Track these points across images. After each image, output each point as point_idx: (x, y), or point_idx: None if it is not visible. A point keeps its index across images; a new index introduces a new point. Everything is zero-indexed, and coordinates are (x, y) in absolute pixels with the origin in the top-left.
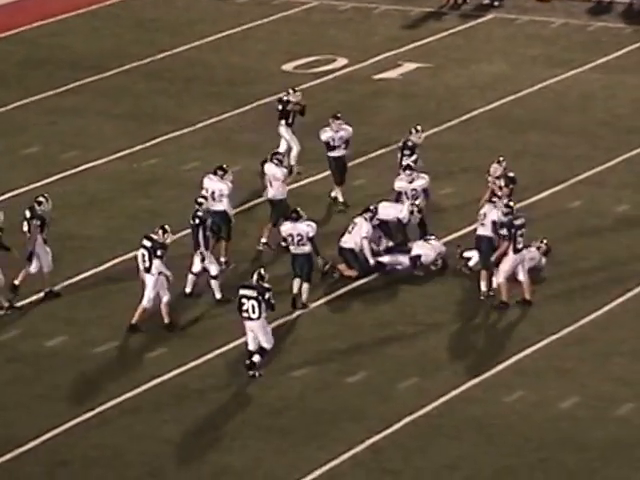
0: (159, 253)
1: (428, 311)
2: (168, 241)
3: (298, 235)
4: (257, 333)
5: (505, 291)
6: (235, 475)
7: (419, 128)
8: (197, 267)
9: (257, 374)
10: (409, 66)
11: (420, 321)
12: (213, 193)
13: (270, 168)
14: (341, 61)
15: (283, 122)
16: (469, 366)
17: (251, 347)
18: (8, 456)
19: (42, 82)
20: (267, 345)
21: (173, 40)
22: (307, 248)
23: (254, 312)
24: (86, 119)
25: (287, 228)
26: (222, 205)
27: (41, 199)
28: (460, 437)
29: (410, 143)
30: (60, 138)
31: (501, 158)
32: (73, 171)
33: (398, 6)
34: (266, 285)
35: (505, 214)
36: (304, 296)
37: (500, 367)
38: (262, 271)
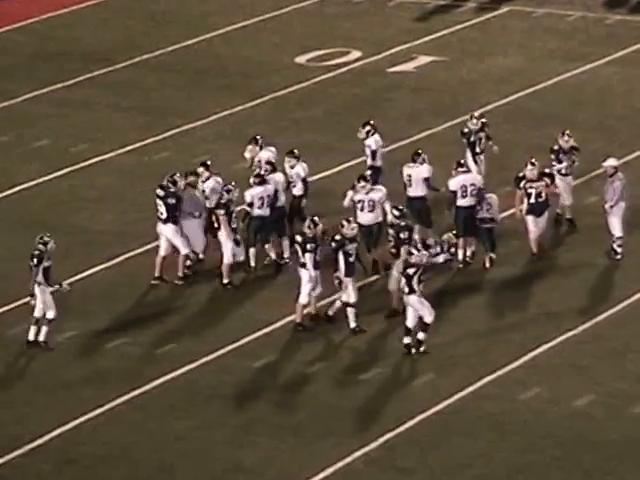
0: (309, 247)
1: (442, 307)
2: (319, 233)
3: (268, 196)
4: (416, 308)
5: (396, 299)
6: (247, 472)
7: (567, 132)
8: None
9: (422, 350)
10: (424, 59)
11: (434, 317)
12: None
13: (414, 169)
14: (355, 54)
15: (469, 153)
16: (484, 363)
17: (409, 324)
18: (17, 453)
19: (53, 74)
20: (429, 319)
21: (185, 33)
22: (280, 203)
23: (406, 287)
24: (96, 112)
25: (256, 192)
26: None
27: (230, 187)
28: (474, 434)
29: (556, 147)
30: (70, 131)
31: (533, 160)
32: (83, 164)
33: None
34: (413, 260)
35: (397, 217)
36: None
37: (515, 364)
38: (412, 249)
